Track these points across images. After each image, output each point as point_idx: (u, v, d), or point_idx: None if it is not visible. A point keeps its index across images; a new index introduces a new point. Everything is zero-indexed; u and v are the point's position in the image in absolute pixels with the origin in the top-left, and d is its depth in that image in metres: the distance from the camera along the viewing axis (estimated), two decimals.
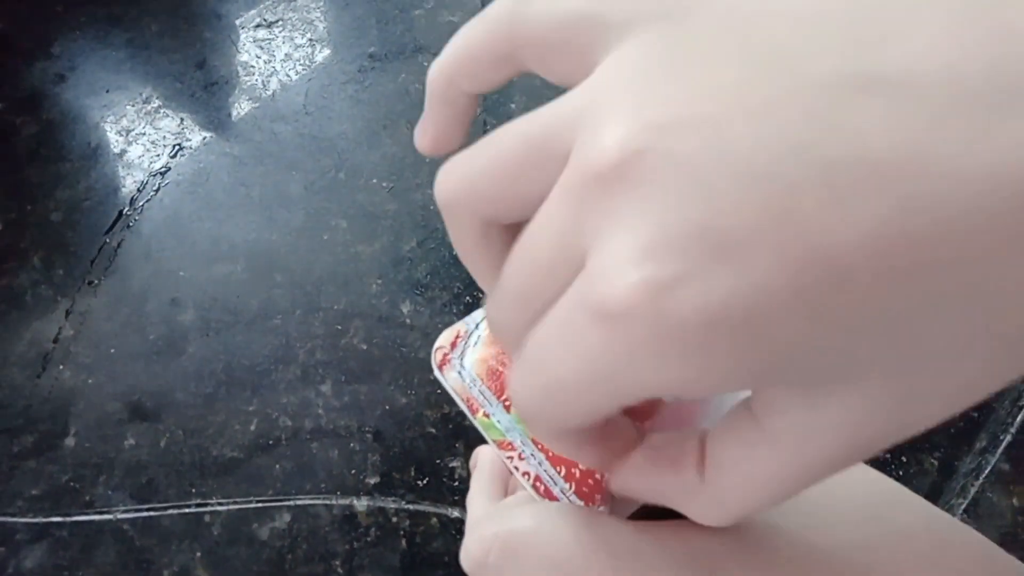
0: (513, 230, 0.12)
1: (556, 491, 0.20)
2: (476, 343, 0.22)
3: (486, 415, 0.20)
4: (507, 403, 0.21)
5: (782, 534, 0.18)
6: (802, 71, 0.10)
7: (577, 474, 0.20)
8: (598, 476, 0.20)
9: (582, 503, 0.19)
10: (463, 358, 0.22)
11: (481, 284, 0.16)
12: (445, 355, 0.22)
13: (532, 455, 0.21)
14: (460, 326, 0.23)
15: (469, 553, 0.18)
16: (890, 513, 0.19)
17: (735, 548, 0.17)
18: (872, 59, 0.09)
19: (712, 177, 0.09)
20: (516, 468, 0.21)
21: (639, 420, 0.19)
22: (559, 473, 0.20)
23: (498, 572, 0.17)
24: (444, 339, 0.23)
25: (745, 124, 0.09)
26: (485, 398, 0.21)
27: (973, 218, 0.09)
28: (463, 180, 0.13)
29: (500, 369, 0.21)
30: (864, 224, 0.09)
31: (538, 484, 0.21)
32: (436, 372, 0.22)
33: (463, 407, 0.22)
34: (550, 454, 0.20)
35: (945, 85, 0.09)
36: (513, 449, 0.21)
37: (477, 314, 0.22)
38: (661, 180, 0.10)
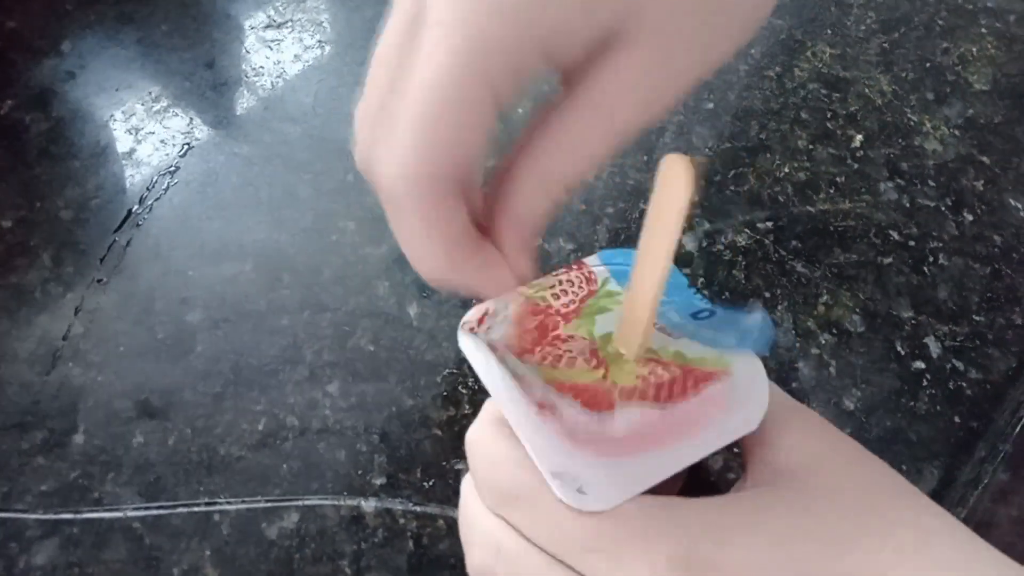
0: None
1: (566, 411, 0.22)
2: (501, 323, 0.23)
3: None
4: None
5: (780, 507, 0.19)
6: None
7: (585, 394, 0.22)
8: (603, 390, 0.22)
9: (594, 413, 0.22)
10: (489, 333, 0.23)
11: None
12: (472, 329, 0.24)
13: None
14: (488, 305, 0.24)
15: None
16: (880, 499, 0.20)
17: (736, 521, 0.18)
18: None
19: None
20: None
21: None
22: (568, 395, 0.22)
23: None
24: (471, 316, 0.25)
25: None
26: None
27: None
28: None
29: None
30: None
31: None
32: (462, 343, 0.24)
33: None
34: (566, 384, 0.22)
35: None
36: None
37: (499, 298, 0.24)
38: None
